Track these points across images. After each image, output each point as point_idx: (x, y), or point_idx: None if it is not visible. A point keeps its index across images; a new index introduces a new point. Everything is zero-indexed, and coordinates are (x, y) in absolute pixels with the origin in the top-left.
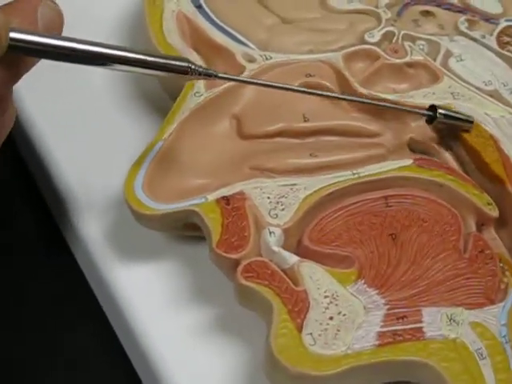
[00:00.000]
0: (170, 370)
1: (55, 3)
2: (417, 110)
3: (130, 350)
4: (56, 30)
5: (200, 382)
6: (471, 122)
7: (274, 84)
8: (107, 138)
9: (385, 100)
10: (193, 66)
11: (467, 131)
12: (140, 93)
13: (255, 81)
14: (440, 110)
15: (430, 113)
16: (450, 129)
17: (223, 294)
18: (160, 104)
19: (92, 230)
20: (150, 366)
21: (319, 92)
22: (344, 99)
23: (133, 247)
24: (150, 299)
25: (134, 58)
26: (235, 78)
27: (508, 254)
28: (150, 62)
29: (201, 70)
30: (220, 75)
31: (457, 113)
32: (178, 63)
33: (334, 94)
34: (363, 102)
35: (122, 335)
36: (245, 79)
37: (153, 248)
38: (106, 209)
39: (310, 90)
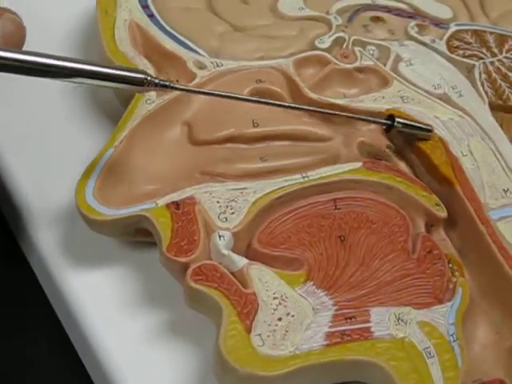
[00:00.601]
0: (122, 375)
1: (17, 16)
2: (375, 119)
3: (84, 356)
4: (16, 43)
5: None
6: (430, 131)
7: (228, 94)
8: (60, 146)
9: (343, 108)
10: (149, 78)
11: (425, 139)
12: (92, 100)
13: (210, 92)
14: (398, 119)
15: (389, 122)
16: (407, 137)
17: (175, 298)
18: (113, 111)
19: (45, 237)
20: (102, 370)
21: (273, 101)
22: (299, 108)
23: (86, 254)
24: (102, 305)
25: (90, 70)
26: (191, 89)
27: (457, 254)
28: (106, 73)
29: (157, 81)
30: (176, 86)
31: (415, 122)
32: (134, 75)
33: (287, 104)
34: (321, 112)
35: (76, 341)
36: (200, 90)
37: (105, 254)
38: (60, 216)
39: (263, 100)
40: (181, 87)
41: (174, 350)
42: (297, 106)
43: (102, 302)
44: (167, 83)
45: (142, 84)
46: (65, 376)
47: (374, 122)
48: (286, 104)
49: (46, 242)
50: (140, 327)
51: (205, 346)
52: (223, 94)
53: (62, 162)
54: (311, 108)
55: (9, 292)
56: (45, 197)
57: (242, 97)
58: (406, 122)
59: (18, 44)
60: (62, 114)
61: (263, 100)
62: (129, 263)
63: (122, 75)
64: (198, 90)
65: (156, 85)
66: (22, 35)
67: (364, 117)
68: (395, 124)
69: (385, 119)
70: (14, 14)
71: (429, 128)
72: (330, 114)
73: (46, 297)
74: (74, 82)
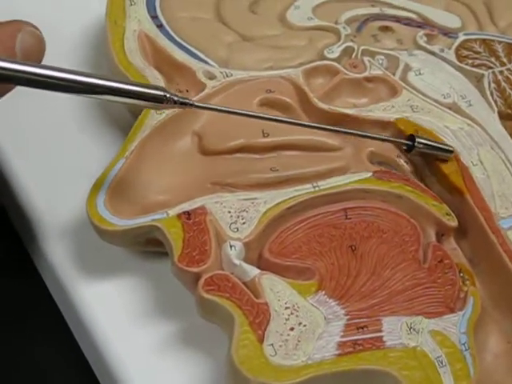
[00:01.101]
0: None
1: (37, 29)
2: (396, 139)
3: (95, 366)
4: (36, 56)
5: None
6: (451, 152)
7: (244, 112)
8: (71, 157)
9: (353, 118)
10: (168, 95)
11: (445, 161)
12: (103, 111)
13: (229, 110)
14: (419, 139)
15: (409, 142)
16: (427, 157)
17: (186, 308)
18: (124, 122)
19: (56, 248)
20: (114, 381)
21: (296, 121)
22: (323, 129)
23: (97, 264)
24: (114, 315)
25: (109, 86)
26: (210, 106)
27: (468, 263)
28: (125, 90)
29: (176, 98)
30: (195, 104)
31: (436, 142)
32: (153, 92)
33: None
34: (345, 133)
35: (87, 352)
36: (218, 108)
37: (116, 265)
38: (72, 227)
39: (286, 119)
40: (200, 105)
41: (185, 361)
42: (328, 127)
43: (113, 312)
44: (187, 100)
45: (162, 101)
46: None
47: (395, 142)
48: (303, 122)
49: (57, 253)
50: (151, 337)
51: (217, 356)
52: (240, 111)
53: (73, 173)
54: (327, 127)
55: (21, 304)
56: (56, 208)
57: (256, 114)
58: (426, 142)
59: (37, 58)
60: (73, 125)
61: (279, 118)
62: (140, 273)
63: (141, 92)
64: (216, 107)
65: (175, 102)
66: (42, 49)
67: (385, 137)
68: (415, 144)
69: (405, 139)
70: (34, 27)
71: (450, 149)
72: (350, 134)
73: (57, 308)
74: (91, 98)
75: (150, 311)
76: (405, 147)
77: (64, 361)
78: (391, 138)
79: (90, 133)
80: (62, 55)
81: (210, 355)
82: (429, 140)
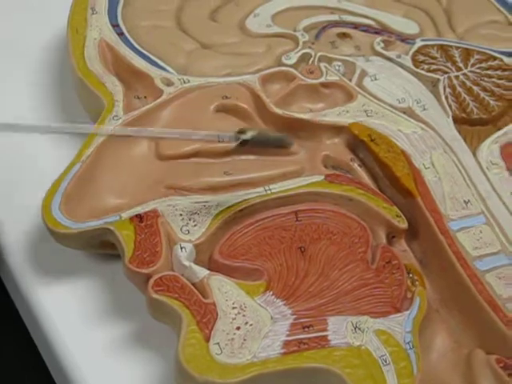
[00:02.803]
0: None
1: None
2: (228, 135)
3: (51, 366)
4: None
5: None
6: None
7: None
8: (29, 161)
9: (307, 123)
10: None
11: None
12: (63, 116)
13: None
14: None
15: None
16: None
17: (139, 309)
18: None
19: (15, 250)
20: (68, 380)
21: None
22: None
23: (53, 267)
24: (69, 316)
25: None
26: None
27: (418, 264)
28: None
29: None
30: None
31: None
32: None
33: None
34: None
35: (44, 352)
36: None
37: (72, 267)
38: (30, 231)
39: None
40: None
41: (137, 360)
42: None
43: (68, 313)
44: None
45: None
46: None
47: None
48: None
49: (15, 255)
50: (105, 337)
51: (168, 355)
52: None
53: (31, 177)
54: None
55: None
56: (14, 212)
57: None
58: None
59: None
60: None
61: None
62: (95, 275)
63: None
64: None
65: None
66: None
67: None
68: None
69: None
70: None
71: (285, 139)
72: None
73: (16, 308)
74: None
75: (104, 312)
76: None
77: (21, 360)
78: (214, 135)
79: (48, 137)
80: (28, 65)
81: (162, 354)
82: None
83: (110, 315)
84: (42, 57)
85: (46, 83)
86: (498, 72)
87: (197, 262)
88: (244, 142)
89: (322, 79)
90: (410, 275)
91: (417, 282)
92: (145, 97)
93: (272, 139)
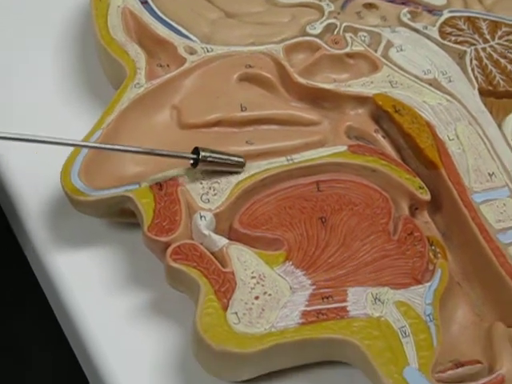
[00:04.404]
0: (104, 351)
1: None
2: (180, 154)
3: (69, 334)
4: None
5: (134, 363)
6: (242, 165)
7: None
8: (53, 129)
9: (331, 93)
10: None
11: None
12: (86, 84)
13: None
14: (204, 153)
15: (194, 156)
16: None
17: (158, 277)
18: (105, 95)
19: (34, 218)
20: (85, 347)
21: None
22: None
23: (73, 235)
24: (88, 284)
25: None
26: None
27: (441, 237)
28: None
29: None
30: None
31: (224, 154)
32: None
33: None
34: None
35: (62, 319)
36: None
37: (91, 235)
38: (50, 198)
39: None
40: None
41: (156, 329)
42: None
43: (87, 281)
44: None
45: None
46: (50, 351)
47: (179, 157)
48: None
49: (34, 223)
50: (124, 306)
51: (187, 324)
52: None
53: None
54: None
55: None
56: (36, 180)
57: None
58: (212, 154)
59: None
60: (56, 98)
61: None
62: (116, 244)
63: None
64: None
65: None
66: None
67: (168, 153)
68: (200, 158)
69: (191, 153)
70: None
71: (240, 160)
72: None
73: (35, 277)
74: None
75: (122, 280)
76: (191, 161)
77: (41, 330)
78: (175, 153)
79: (72, 105)
80: (51, 37)
81: (180, 324)
82: (216, 152)
83: (128, 284)
84: (65, 25)
85: (70, 51)
86: None
87: (217, 231)
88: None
89: (347, 49)
90: (433, 247)
91: (439, 255)
92: (168, 65)
93: (227, 157)
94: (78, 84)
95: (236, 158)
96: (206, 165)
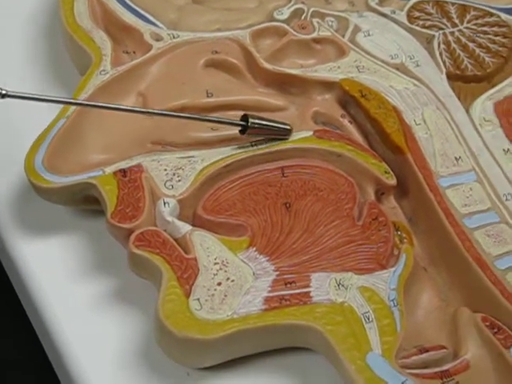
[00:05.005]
0: (69, 339)
1: None
2: (230, 121)
3: (34, 320)
4: None
5: (98, 350)
6: (289, 130)
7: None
8: (18, 116)
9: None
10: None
11: (284, 139)
12: (52, 70)
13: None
14: (252, 120)
15: (243, 122)
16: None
17: (124, 265)
18: (71, 82)
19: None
20: (50, 334)
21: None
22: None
23: (38, 222)
24: (52, 272)
25: None
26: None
27: (407, 222)
28: None
29: None
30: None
31: (271, 121)
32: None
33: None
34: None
35: (27, 306)
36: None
37: (57, 222)
38: (15, 185)
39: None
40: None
41: (120, 316)
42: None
43: (52, 268)
44: None
45: None
46: (14, 338)
47: (230, 124)
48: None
49: (0, 210)
50: (88, 293)
51: (150, 311)
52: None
53: (19, 132)
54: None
55: None
56: (0, 168)
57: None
58: (260, 122)
59: None
60: (22, 85)
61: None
62: (80, 231)
63: None
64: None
65: None
66: None
67: (219, 118)
68: (249, 125)
69: (240, 120)
70: None
71: (287, 127)
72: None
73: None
74: None
75: (86, 267)
76: (240, 128)
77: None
78: (227, 120)
79: (38, 92)
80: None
81: (144, 311)
82: (263, 119)
83: (93, 271)
84: (32, 12)
85: (37, 39)
86: (495, 28)
87: (181, 217)
88: (245, 128)
89: (314, 35)
90: (398, 233)
91: (405, 240)
92: (134, 52)
93: (275, 124)
94: (44, 71)
95: (283, 126)
96: (254, 131)
